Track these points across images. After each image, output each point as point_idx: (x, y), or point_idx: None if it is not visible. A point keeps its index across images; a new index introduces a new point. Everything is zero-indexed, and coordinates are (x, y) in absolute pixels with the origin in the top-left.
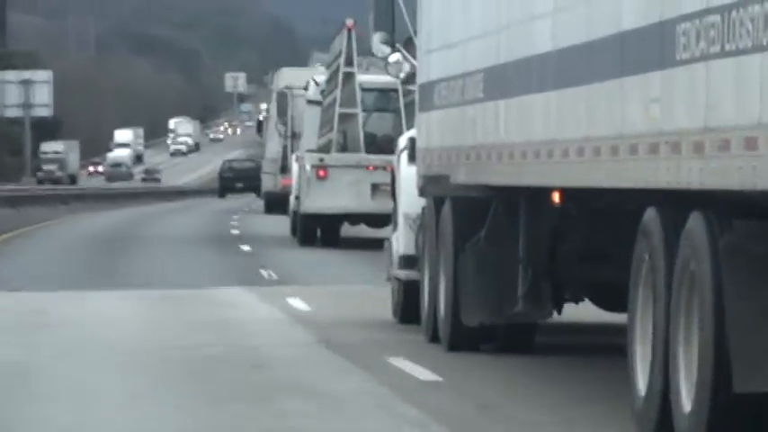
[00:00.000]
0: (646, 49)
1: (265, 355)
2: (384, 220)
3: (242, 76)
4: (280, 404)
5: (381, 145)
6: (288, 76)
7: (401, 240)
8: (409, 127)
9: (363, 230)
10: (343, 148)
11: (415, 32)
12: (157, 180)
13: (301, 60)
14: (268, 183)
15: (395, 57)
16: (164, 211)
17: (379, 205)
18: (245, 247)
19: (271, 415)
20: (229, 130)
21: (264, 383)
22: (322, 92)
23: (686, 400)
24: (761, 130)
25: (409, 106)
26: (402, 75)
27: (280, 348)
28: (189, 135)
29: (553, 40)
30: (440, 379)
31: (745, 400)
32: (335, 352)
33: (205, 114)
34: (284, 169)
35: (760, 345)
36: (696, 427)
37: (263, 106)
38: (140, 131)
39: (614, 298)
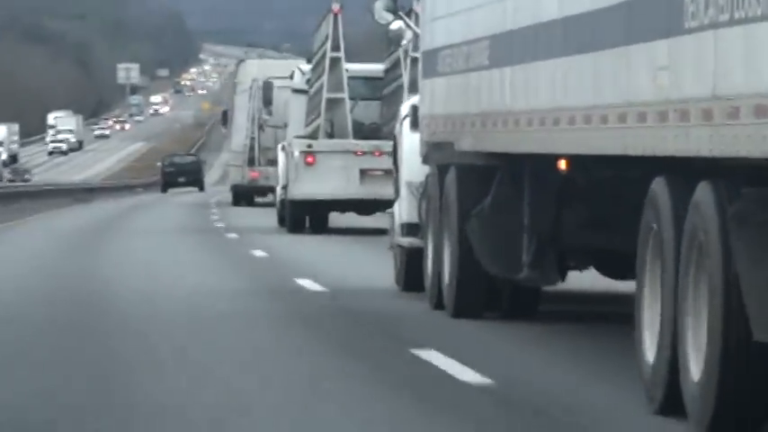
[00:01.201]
0: (653, 18)
1: None
2: (373, 206)
3: (135, 68)
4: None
5: (368, 133)
6: (254, 69)
7: (404, 208)
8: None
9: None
10: (331, 135)
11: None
12: (27, 181)
13: (193, 52)
14: (236, 175)
15: (397, 24)
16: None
17: (368, 191)
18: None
19: None
20: (117, 126)
21: None
22: (308, 81)
23: (695, 368)
24: None
25: (399, 89)
26: (404, 42)
27: None
28: (71, 131)
29: (560, 7)
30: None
31: (756, 369)
32: None
33: (98, 108)
34: (252, 162)
35: None
36: (704, 395)
37: (155, 98)
38: (15, 128)
39: (619, 266)
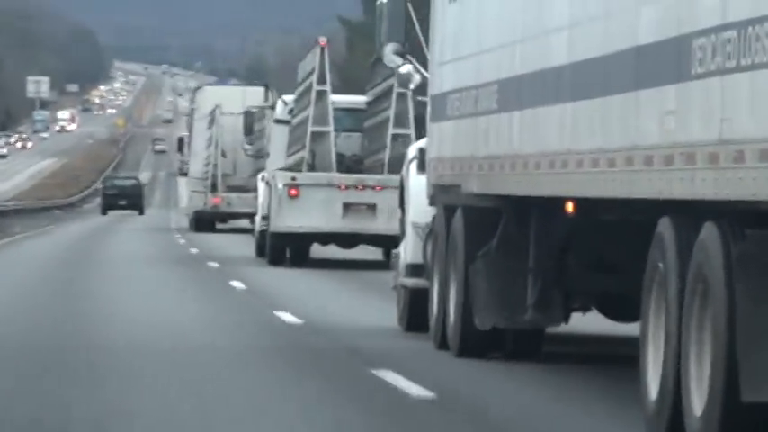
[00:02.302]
0: (662, 64)
1: None
2: (354, 240)
3: (45, 81)
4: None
5: (350, 165)
6: (213, 96)
7: (409, 249)
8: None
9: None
10: (312, 168)
11: (427, 44)
12: None
13: (103, 68)
14: (197, 202)
15: (406, 68)
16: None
17: (351, 224)
18: None
19: None
20: (18, 144)
21: None
22: (290, 111)
23: (698, 404)
24: None
25: (383, 123)
26: (412, 85)
27: None
28: None
29: (569, 53)
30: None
31: (757, 405)
32: None
33: (5, 122)
34: (214, 188)
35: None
36: (707, 430)
37: (62, 114)
38: None
39: (621, 308)
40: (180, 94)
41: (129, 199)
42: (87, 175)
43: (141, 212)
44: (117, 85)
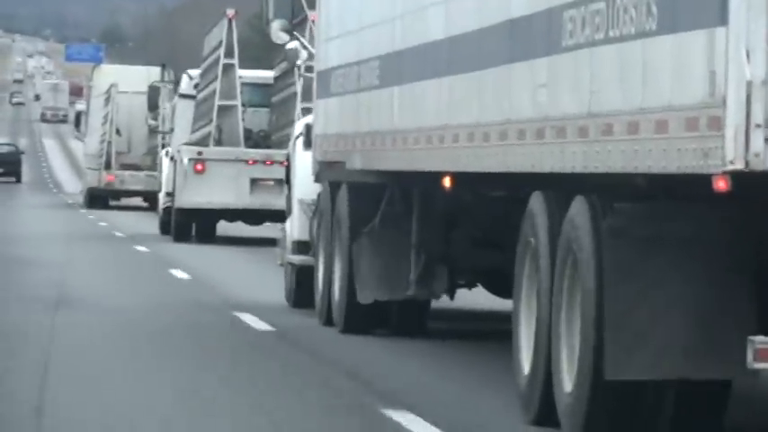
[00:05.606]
0: (534, 36)
1: None
2: (262, 216)
3: None
4: None
5: (257, 141)
6: (110, 74)
7: (295, 226)
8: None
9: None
10: (219, 143)
11: (313, 20)
12: None
13: None
14: (92, 179)
15: (293, 44)
16: None
17: (258, 200)
18: None
19: None
20: None
21: None
22: (195, 85)
23: (568, 380)
24: (642, 115)
25: (291, 98)
26: (299, 61)
27: None
28: None
29: (446, 27)
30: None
31: (623, 383)
32: None
33: None
34: (108, 165)
35: (632, 332)
36: (576, 406)
37: None
38: None
39: (506, 284)
40: (30, 56)
41: (7, 166)
42: None
43: (18, 180)
44: None
